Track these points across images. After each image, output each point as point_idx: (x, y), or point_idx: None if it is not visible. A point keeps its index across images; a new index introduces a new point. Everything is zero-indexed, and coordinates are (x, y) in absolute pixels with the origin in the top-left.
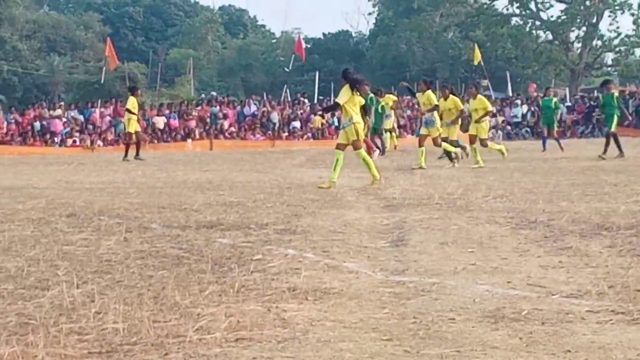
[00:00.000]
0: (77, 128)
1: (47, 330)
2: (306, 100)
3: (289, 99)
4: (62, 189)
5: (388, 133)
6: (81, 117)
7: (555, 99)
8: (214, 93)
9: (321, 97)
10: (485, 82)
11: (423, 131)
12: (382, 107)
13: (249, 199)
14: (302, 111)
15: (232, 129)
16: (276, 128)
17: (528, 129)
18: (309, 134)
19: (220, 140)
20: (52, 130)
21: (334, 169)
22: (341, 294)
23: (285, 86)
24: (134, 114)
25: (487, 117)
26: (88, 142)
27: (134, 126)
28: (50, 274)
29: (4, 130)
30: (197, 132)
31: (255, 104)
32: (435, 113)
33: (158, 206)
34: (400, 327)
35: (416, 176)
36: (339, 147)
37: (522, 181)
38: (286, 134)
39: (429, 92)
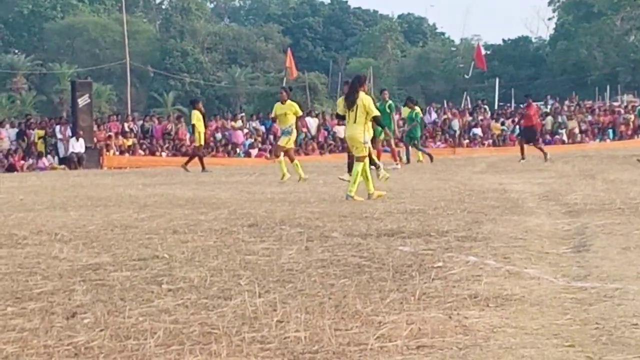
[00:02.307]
0: (259, 139)
1: (230, 339)
2: (486, 107)
3: (469, 106)
4: (243, 200)
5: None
6: (262, 128)
7: None
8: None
9: (502, 104)
10: None
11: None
12: (416, 114)
13: (430, 206)
14: (482, 118)
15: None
16: (457, 135)
17: None
18: (490, 141)
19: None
20: (234, 141)
21: (367, 178)
22: (522, 301)
23: (465, 93)
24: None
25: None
26: (268, 154)
27: (200, 140)
28: (233, 284)
29: (187, 142)
30: None
31: (435, 112)
32: (294, 125)
33: (339, 215)
34: (582, 333)
35: (598, 181)
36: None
37: None
38: (467, 141)
39: (291, 103)
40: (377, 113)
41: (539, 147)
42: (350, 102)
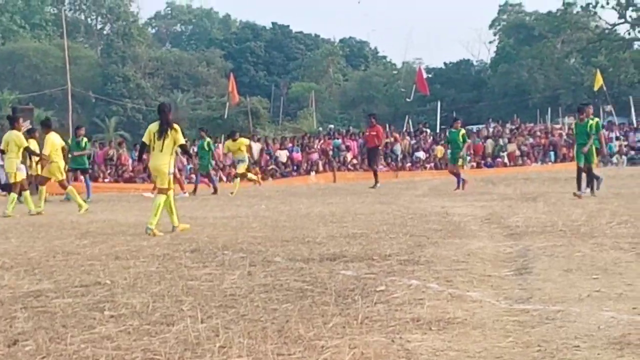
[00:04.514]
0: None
1: None
2: (428, 130)
3: (412, 129)
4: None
5: (237, 178)
6: None
7: (463, 131)
8: (331, 126)
9: (443, 127)
10: (608, 108)
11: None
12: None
13: (372, 230)
14: (424, 141)
15: (355, 160)
16: (399, 159)
17: None
18: (432, 164)
19: (343, 172)
20: (178, 166)
21: (171, 211)
22: (465, 324)
23: (408, 116)
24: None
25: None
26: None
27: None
28: (175, 309)
29: (130, 168)
30: (320, 165)
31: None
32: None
33: (281, 239)
34: (524, 355)
35: (539, 204)
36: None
37: None
38: (409, 164)
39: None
40: (183, 141)
41: (373, 170)
42: (162, 131)
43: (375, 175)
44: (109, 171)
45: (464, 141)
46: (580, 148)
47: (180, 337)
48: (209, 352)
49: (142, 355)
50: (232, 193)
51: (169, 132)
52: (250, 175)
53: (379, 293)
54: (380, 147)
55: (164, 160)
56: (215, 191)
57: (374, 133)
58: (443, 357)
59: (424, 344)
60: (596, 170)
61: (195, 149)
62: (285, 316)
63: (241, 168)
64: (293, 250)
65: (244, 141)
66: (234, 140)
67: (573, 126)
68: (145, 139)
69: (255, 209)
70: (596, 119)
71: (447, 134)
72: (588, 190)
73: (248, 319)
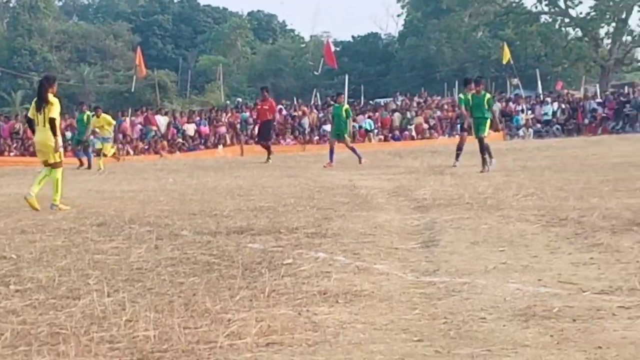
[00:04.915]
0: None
1: (79, 339)
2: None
3: (319, 102)
4: (92, 198)
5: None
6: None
7: (346, 106)
8: (239, 99)
9: (351, 100)
10: (515, 81)
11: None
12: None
13: (280, 203)
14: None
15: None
16: (307, 132)
17: (558, 127)
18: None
19: (251, 146)
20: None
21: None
22: (372, 296)
23: (315, 90)
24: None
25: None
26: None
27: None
28: (82, 283)
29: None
30: (227, 138)
31: (285, 109)
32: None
33: (189, 213)
34: (431, 327)
35: (446, 176)
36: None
37: (553, 179)
38: (317, 137)
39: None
40: (53, 116)
41: (266, 145)
42: (40, 104)
43: (268, 149)
44: (14, 145)
45: (348, 116)
46: (477, 121)
47: (87, 311)
48: (116, 326)
49: (47, 329)
50: (99, 169)
51: (45, 107)
52: (107, 152)
53: (286, 266)
54: (272, 121)
55: (48, 134)
56: (89, 166)
57: (267, 107)
58: (350, 330)
59: (330, 316)
60: (494, 152)
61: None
62: (192, 290)
63: (107, 148)
64: (200, 224)
65: (108, 118)
66: (97, 116)
67: (470, 98)
68: (30, 113)
69: (163, 183)
70: (488, 95)
71: (332, 109)
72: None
73: (155, 292)
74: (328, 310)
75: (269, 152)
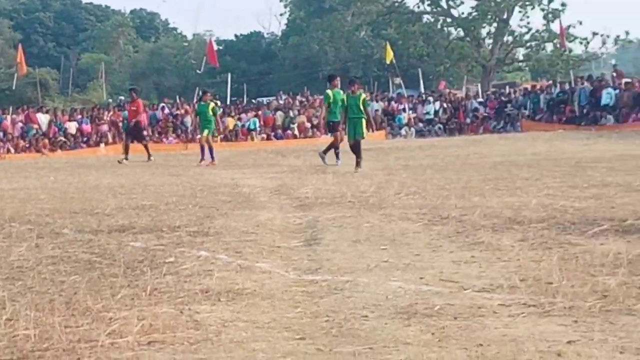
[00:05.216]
0: None
1: None
2: (219, 102)
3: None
4: None
5: None
6: None
7: (212, 105)
8: (121, 97)
9: (234, 99)
10: (398, 80)
11: None
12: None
13: (162, 201)
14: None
15: (145, 132)
16: (189, 131)
17: (440, 126)
18: (222, 136)
19: (134, 144)
20: None
21: None
22: (254, 295)
23: (198, 88)
24: None
25: None
26: None
27: None
28: None
29: None
30: (109, 137)
31: (167, 107)
32: None
33: (70, 211)
34: (313, 325)
35: (329, 175)
36: None
37: (435, 177)
38: (199, 136)
39: None
40: None
41: (144, 145)
42: None
43: (147, 149)
44: None
45: (214, 113)
46: (351, 121)
47: None
48: None
49: None
50: None
51: None
52: None
53: (168, 264)
54: (141, 121)
55: None
56: None
57: (134, 107)
58: (232, 328)
59: (213, 314)
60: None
61: None
62: (73, 288)
63: None
64: (81, 222)
65: None
66: None
67: (334, 94)
68: None
69: (44, 181)
70: (364, 94)
71: (197, 107)
72: (340, 162)
73: (35, 291)
74: (210, 309)
75: (148, 151)
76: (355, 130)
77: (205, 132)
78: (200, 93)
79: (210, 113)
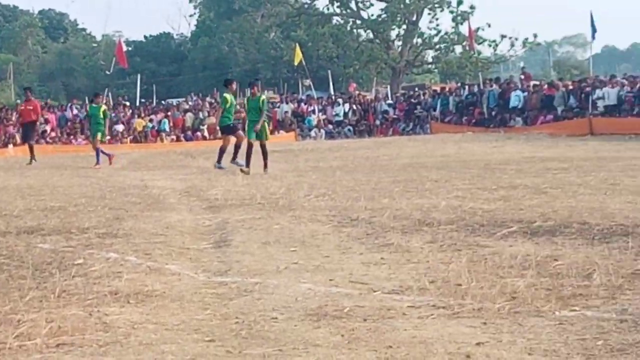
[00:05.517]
0: None
1: None
2: (128, 103)
3: (111, 102)
4: None
5: None
6: None
7: (104, 107)
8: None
9: (143, 100)
10: (307, 82)
11: None
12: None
13: (71, 203)
14: (123, 114)
15: (54, 133)
16: None
17: (350, 128)
18: (131, 137)
19: (42, 145)
20: None
21: None
22: (163, 296)
23: (107, 89)
24: None
25: None
26: None
27: None
28: None
29: None
30: (17, 138)
31: (76, 108)
32: None
33: None
34: (222, 327)
35: (238, 177)
36: None
37: (344, 179)
38: (109, 137)
39: None
40: None
41: (30, 145)
42: None
43: (32, 150)
44: None
45: (105, 116)
46: (252, 124)
47: None
48: None
49: None
50: None
51: None
52: None
53: (77, 266)
54: (36, 122)
55: None
56: None
57: (31, 107)
58: (141, 330)
59: (122, 316)
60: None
61: None
62: None
63: None
64: None
65: None
66: None
67: (245, 102)
68: None
69: None
70: (264, 96)
71: (88, 109)
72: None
73: None
74: (119, 311)
75: (32, 153)
76: (259, 133)
77: (99, 135)
78: (92, 96)
79: (101, 116)
